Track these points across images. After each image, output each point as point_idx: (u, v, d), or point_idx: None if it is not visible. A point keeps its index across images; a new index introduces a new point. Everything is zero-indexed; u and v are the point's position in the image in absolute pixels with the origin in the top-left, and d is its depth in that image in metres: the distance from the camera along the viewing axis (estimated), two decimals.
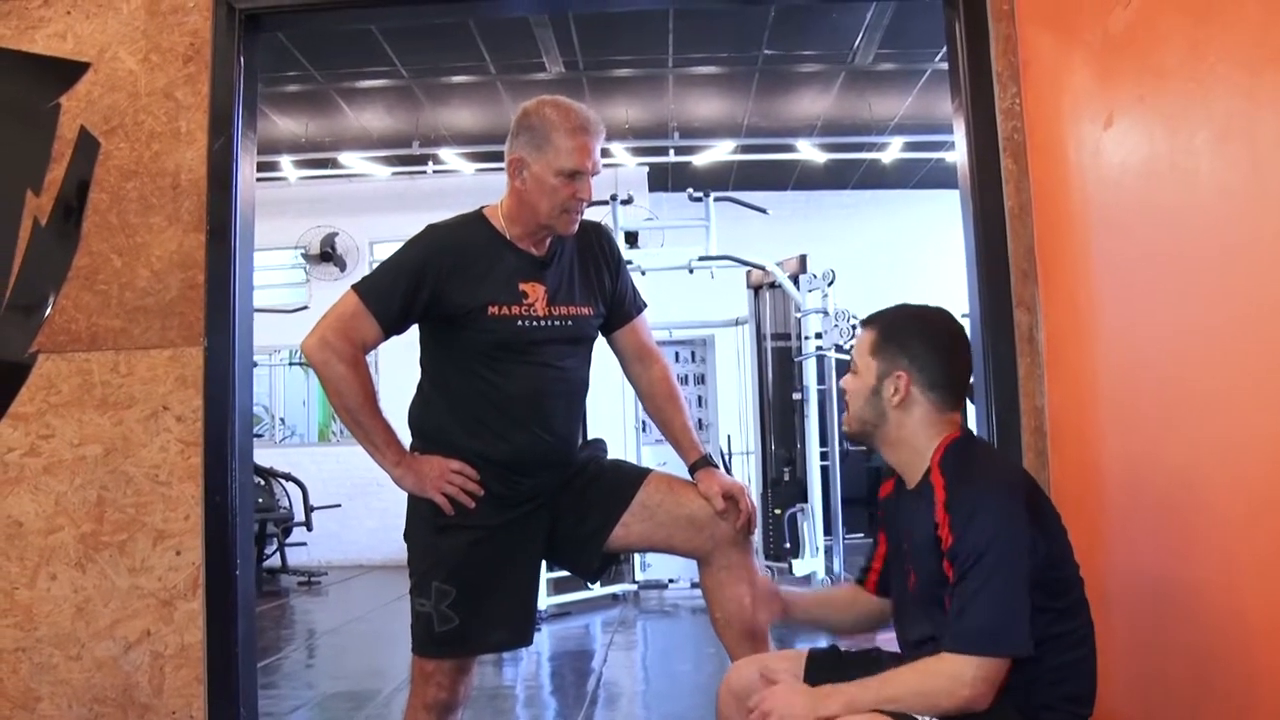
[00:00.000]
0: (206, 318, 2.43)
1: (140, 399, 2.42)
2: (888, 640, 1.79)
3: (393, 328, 2.01)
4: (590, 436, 2.30)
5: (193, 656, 2.37)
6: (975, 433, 2.28)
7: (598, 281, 2.15)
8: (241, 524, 2.43)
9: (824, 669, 1.76)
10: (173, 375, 2.42)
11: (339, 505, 8.52)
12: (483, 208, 2.13)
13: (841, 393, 1.77)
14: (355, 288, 2.01)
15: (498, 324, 2.01)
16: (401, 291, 1.99)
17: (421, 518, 2.06)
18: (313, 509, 8.02)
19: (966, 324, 2.94)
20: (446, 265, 2.00)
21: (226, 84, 2.47)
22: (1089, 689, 1.59)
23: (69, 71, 2.50)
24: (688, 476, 2.14)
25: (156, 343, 2.43)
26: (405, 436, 2.10)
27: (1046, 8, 2.31)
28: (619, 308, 2.20)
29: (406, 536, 2.11)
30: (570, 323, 2.08)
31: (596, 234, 2.21)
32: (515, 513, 2.05)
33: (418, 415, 2.13)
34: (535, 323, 2.04)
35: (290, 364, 9.35)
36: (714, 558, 2.06)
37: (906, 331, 1.70)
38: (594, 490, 2.11)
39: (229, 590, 2.38)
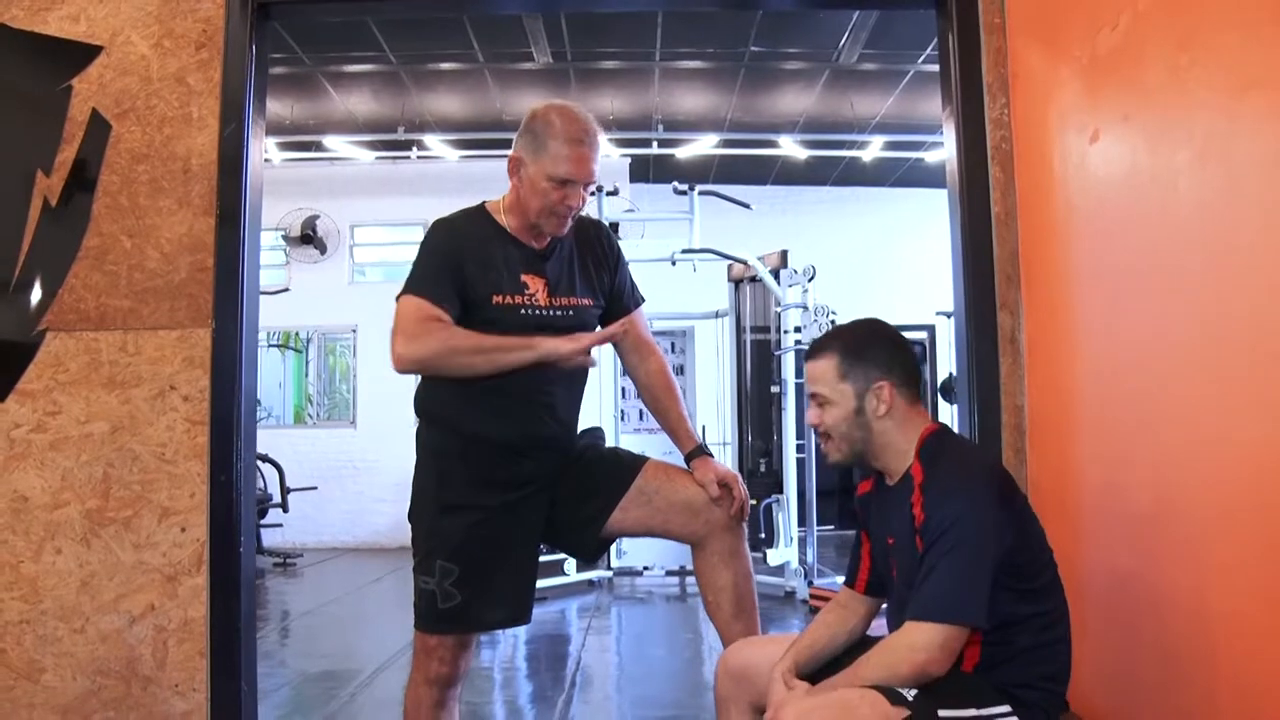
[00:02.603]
0: (215, 300, 2.47)
1: (148, 378, 2.46)
2: (880, 629, 1.88)
3: (453, 307, 2.03)
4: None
5: (196, 631, 2.42)
6: (955, 429, 2.38)
7: (597, 275, 2.22)
8: (245, 503, 2.48)
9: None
10: (180, 355, 2.47)
11: (315, 488, 8.55)
12: (484, 202, 2.19)
13: (814, 430, 1.80)
14: (403, 293, 2.04)
15: (502, 312, 2.07)
16: (443, 276, 2.03)
17: (427, 498, 2.13)
18: (289, 490, 8.03)
19: (950, 325, 3.05)
20: (461, 254, 2.06)
21: (239, 71, 2.51)
22: (1064, 669, 1.69)
23: (81, 54, 2.53)
24: (677, 464, 2.22)
25: (165, 323, 2.47)
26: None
27: (1037, 24, 2.40)
28: (617, 301, 2.27)
29: (411, 516, 2.17)
30: (571, 313, 2.15)
31: (596, 230, 2.28)
32: (516, 495, 2.12)
33: (423, 399, 2.19)
34: (538, 312, 2.10)
35: (269, 346, 9.35)
36: (708, 542, 2.13)
37: (867, 344, 1.77)
38: (593, 476, 2.18)
39: (233, 567, 2.44)
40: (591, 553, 2.26)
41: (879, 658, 1.61)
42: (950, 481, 1.65)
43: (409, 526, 2.19)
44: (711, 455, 2.22)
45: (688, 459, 2.20)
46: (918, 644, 1.57)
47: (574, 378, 2.20)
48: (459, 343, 1.99)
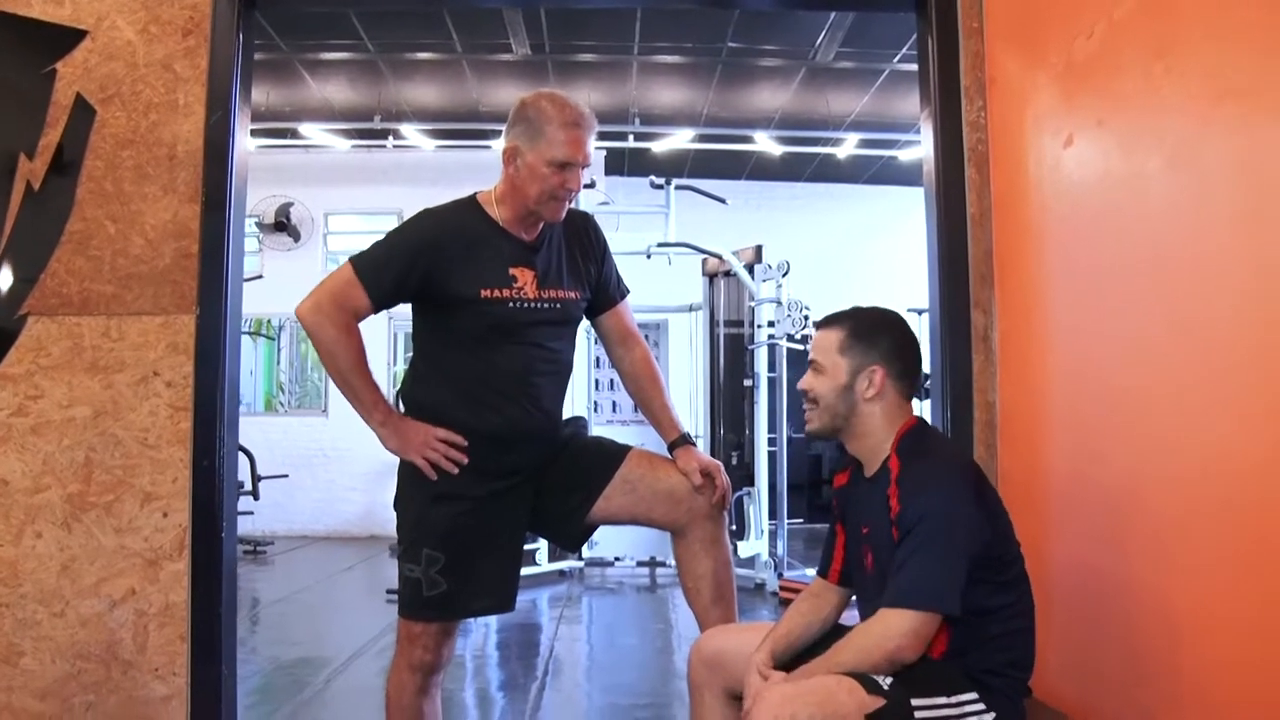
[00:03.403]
0: (199, 287, 2.47)
1: (131, 364, 2.46)
2: (852, 618, 1.93)
3: (383, 302, 2.09)
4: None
5: (177, 616, 2.43)
6: (930, 424, 2.44)
7: (584, 267, 2.25)
8: (227, 488, 2.49)
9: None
10: (164, 341, 2.47)
11: (286, 476, 8.51)
12: (476, 193, 2.21)
13: (802, 394, 1.86)
14: (351, 260, 2.09)
15: (490, 306, 2.10)
16: (395, 270, 2.07)
17: (413, 486, 2.15)
18: (260, 478, 7.99)
19: (924, 321, 3.11)
20: (442, 250, 2.08)
21: (226, 59, 2.51)
22: (1028, 657, 1.76)
23: (66, 38, 2.52)
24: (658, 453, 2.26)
25: (149, 309, 2.47)
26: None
27: (1015, 30, 2.45)
28: (603, 293, 2.31)
29: (396, 504, 2.19)
30: (558, 305, 2.18)
31: (584, 222, 2.31)
32: (502, 484, 2.15)
33: (410, 390, 2.22)
34: (525, 305, 2.13)
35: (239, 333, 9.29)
36: (689, 530, 2.18)
37: (875, 329, 1.84)
38: (578, 465, 2.21)
39: (214, 552, 2.44)
40: (576, 541, 2.30)
41: (854, 643, 1.66)
42: (927, 475, 1.71)
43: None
44: (695, 444, 2.26)
45: (671, 448, 2.24)
46: (891, 630, 1.62)
47: (560, 371, 2.24)
48: (340, 352, 2.07)
